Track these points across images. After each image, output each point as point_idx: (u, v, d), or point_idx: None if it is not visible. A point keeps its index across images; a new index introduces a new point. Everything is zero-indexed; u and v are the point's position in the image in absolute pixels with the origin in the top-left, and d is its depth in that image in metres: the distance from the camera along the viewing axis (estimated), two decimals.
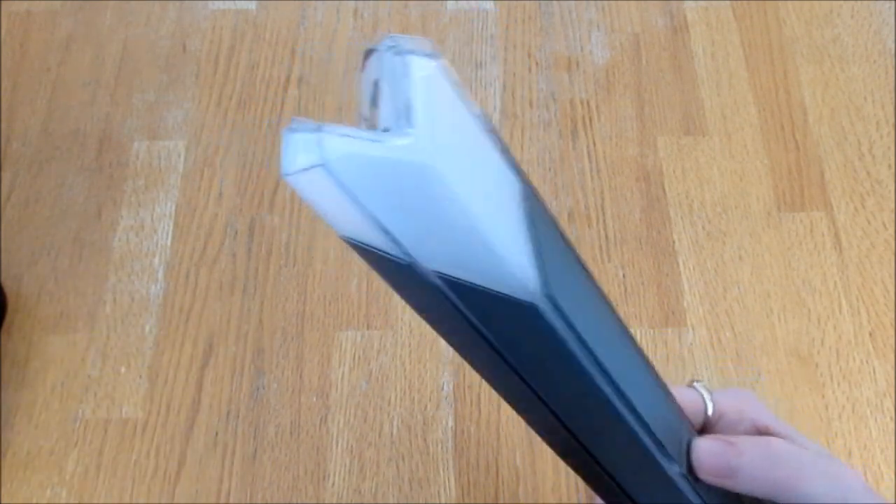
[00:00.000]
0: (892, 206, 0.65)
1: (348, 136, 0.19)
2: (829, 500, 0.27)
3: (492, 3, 0.76)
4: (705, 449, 0.29)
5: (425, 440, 0.57)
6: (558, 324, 0.22)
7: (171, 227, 0.65)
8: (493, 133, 0.22)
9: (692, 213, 0.65)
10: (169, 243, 0.64)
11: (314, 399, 0.58)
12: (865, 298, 0.62)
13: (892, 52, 0.73)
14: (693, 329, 0.61)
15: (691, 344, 0.60)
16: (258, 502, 0.55)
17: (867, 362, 0.59)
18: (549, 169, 0.67)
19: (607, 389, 0.24)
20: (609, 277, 0.63)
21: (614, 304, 0.61)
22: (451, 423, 0.57)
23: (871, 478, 0.55)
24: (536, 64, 0.73)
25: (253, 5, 0.75)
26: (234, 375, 0.59)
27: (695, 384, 0.33)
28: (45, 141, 0.69)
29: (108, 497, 0.55)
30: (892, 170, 0.67)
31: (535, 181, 0.67)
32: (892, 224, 0.65)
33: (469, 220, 0.20)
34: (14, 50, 0.73)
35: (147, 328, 0.61)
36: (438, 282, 0.21)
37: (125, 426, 0.57)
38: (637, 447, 0.27)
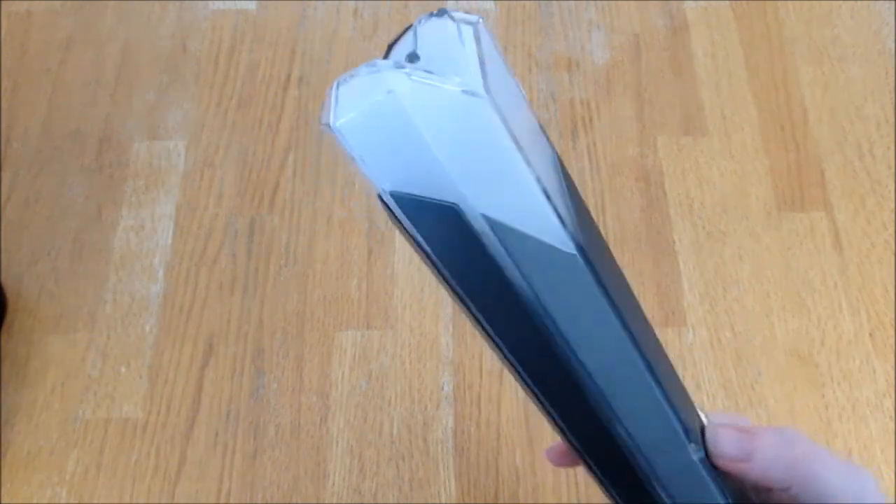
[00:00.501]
0: (892, 206, 0.65)
1: (414, 75, 0.19)
2: (846, 494, 0.26)
3: (492, 3, 0.76)
4: (723, 432, 0.29)
5: (425, 440, 0.57)
6: (594, 278, 0.23)
7: (172, 227, 0.65)
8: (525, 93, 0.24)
9: (692, 213, 0.65)
10: (169, 243, 0.64)
11: (314, 399, 0.58)
12: (865, 298, 0.62)
13: (892, 52, 0.73)
14: (693, 329, 0.61)
15: (691, 344, 0.60)
16: (258, 502, 0.55)
17: (867, 362, 0.59)
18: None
19: (635, 353, 0.25)
20: None
21: None
22: (451, 423, 0.57)
23: None
24: (536, 64, 0.73)
25: (253, 5, 0.75)
26: (234, 375, 0.59)
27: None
28: (45, 141, 0.69)
29: (108, 497, 0.55)
30: (892, 170, 0.67)
31: None
32: (892, 224, 0.65)
33: (523, 171, 0.21)
34: (14, 50, 0.73)
35: (147, 328, 0.61)
36: (485, 226, 0.21)
37: (125, 426, 0.57)
38: (663, 420, 0.27)
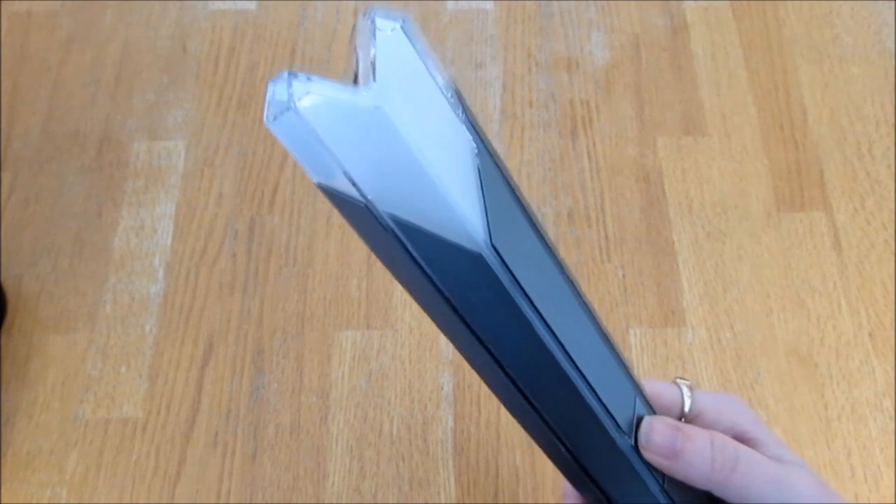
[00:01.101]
0: (892, 206, 0.65)
1: (316, 84, 0.21)
2: (764, 500, 0.27)
3: (492, 3, 0.76)
4: (655, 427, 0.29)
5: (425, 440, 0.57)
6: (503, 275, 0.23)
7: (171, 227, 0.65)
8: (455, 93, 0.24)
9: (692, 213, 0.65)
10: (169, 243, 0.64)
11: (314, 399, 0.58)
12: (865, 298, 0.62)
13: (892, 52, 0.73)
14: (693, 329, 0.61)
15: (691, 344, 0.60)
16: (258, 502, 0.55)
17: (867, 362, 0.59)
18: (549, 169, 0.67)
19: (550, 343, 0.25)
20: (609, 277, 0.63)
21: (615, 303, 0.61)
22: (451, 423, 0.57)
23: (871, 478, 0.55)
24: (536, 64, 0.73)
25: (253, 5, 0.75)
26: (234, 375, 0.59)
27: (677, 380, 0.33)
28: (45, 141, 0.69)
29: (108, 497, 0.55)
30: (892, 170, 0.67)
31: (535, 181, 0.67)
32: (892, 224, 0.65)
33: (421, 167, 0.21)
34: (14, 50, 0.73)
35: (147, 328, 0.61)
36: (392, 224, 0.22)
37: (125, 426, 0.57)
38: (582, 407, 0.27)
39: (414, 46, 0.23)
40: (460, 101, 0.24)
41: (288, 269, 0.63)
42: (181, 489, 0.55)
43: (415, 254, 0.23)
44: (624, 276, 0.63)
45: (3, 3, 0.75)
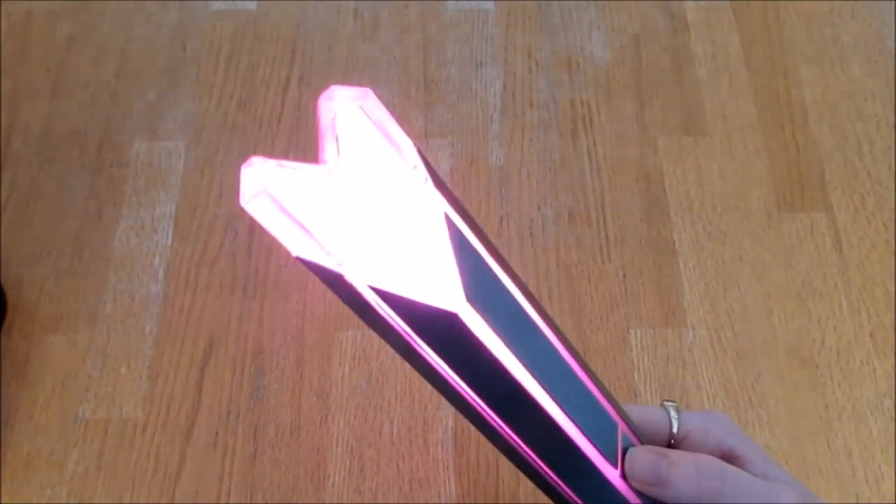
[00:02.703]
0: (893, 206, 0.65)
1: (286, 167, 0.23)
2: None
3: (492, 3, 0.76)
4: (639, 457, 0.30)
5: (425, 440, 0.57)
6: (480, 329, 0.24)
7: (172, 228, 0.65)
8: (419, 159, 0.25)
9: (692, 213, 0.65)
10: (169, 243, 0.64)
11: (314, 399, 0.58)
12: (865, 298, 0.62)
13: (893, 51, 0.73)
14: (693, 329, 0.61)
15: (691, 344, 0.60)
16: (258, 502, 0.55)
17: (867, 362, 0.59)
18: (549, 169, 0.67)
19: (532, 389, 0.26)
20: (609, 277, 0.63)
21: (615, 303, 0.61)
22: (450, 423, 0.57)
23: (872, 478, 0.55)
24: (536, 64, 0.73)
25: (253, 5, 0.75)
26: (234, 375, 0.59)
27: (665, 403, 0.33)
28: (45, 141, 0.69)
29: (108, 497, 0.55)
30: (892, 170, 0.67)
31: (536, 181, 0.67)
32: (893, 224, 0.65)
33: (392, 237, 0.23)
34: (14, 50, 0.73)
35: (147, 328, 0.61)
36: (369, 291, 0.23)
37: (125, 426, 0.57)
38: (568, 445, 0.28)
39: (374, 122, 0.24)
40: (427, 167, 0.25)
41: (288, 269, 0.63)
42: (181, 489, 0.55)
43: (393, 315, 0.24)
44: (624, 276, 0.63)
45: (3, 3, 0.75)
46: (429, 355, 0.25)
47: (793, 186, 0.67)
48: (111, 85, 0.71)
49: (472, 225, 0.26)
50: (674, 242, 0.64)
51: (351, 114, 0.24)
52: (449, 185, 0.27)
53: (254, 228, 0.65)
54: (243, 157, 0.68)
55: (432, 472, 0.56)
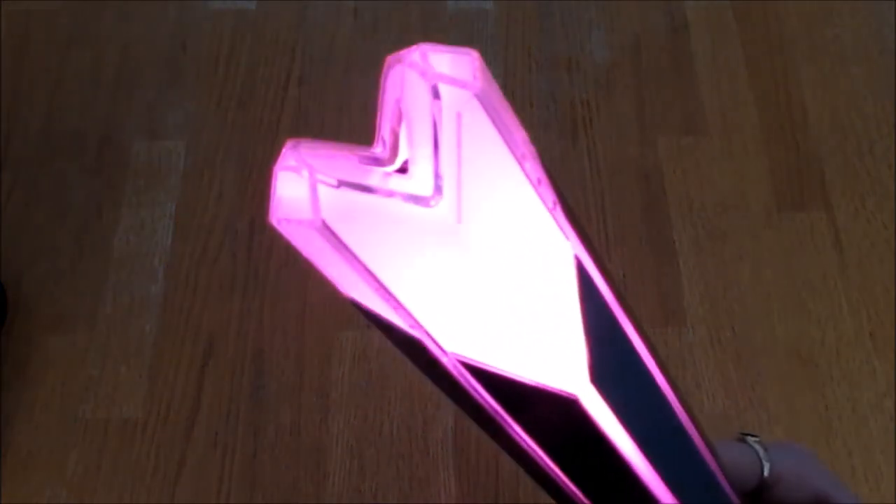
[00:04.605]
0: (892, 206, 0.65)
1: (350, 183, 0.15)
2: None
3: (492, 3, 0.76)
4: None
5: (425, 440, 0.57)
6: (601, 416, 0.19)
7: (171, 227, 0.65)
8: (543, 176, 0.18)
9: (692, 213, 0.65)
10: (169, 243, 0.64)
11: (314, 399, 0.58)
12: (866, 298, 0.62)
13: (893, 51, 0.73)
14: (693, 329, 0.61)
15: (691, 344, 0.60)
16: (258, 502, 0.55)
17: (867, 362, 0.59)
18: (550, 169, 0.67)
19: (650, 482, 0.21)
20: None
21: None
22: (450, 423, 0.57)
23: (872, 477, 0.55)
24: (536, 64, 0.73)
25: (253, 5, 0.75)
26: (234, 375, 0.59)
27: (748, 439, 0.30)
28: (45, 141, 0.69)
29: (108, 497, 0.55)
30: (892, 170, 0.67)
31: None
32: (893, 224, 0.65)
33: (504, 303, 0.16)
34: (14, 50, 0.73)
35: (147, 328, 0.61)
36: (459, 367, 0.18)
37: (125, 426, 0.57)
38: None
39: (486, 116, 0.16)
40: (551, 184, 0.18)
41: (288, 269, 0.63)
42: (181, 489, 0.55)
43: (487, 398, 0.18)
44: (624, 275, 0.63)
45: (3, 3, 0.75)
46: (523, 439, 0.20)
47: (793, 186, 0.67)
48: (111, 85, 0.71)
49: (602, 268, 0.19)
50: (674, 242, 0.64)
51: (461, 112, 0.16)
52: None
53: (254, 228, 0.65)
54: (243, 156, 0.68)
55: (432, 472, 0.56)
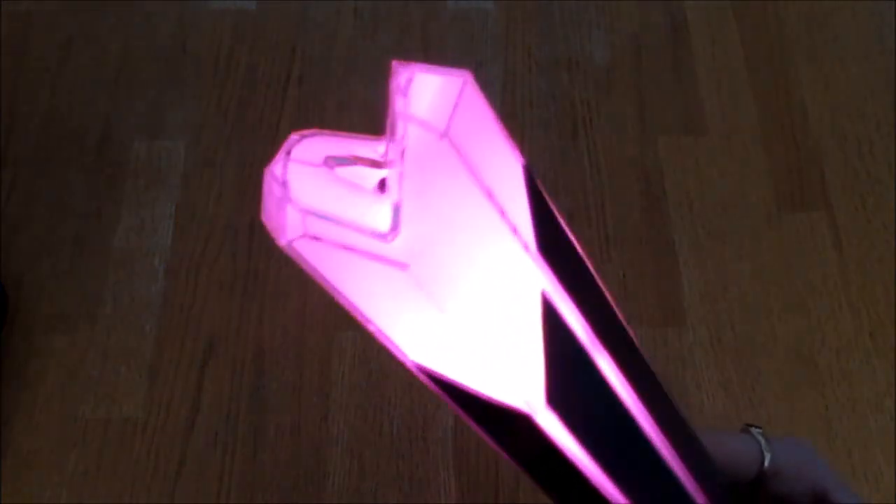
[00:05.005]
0: (893, 205, 0.65)
1: (315, 213, 0.17)
2: None
3: (492, 3, 0.76)
4: None
5: (425, 440, 0.57)
6: (557, 434, 0.21)
7: (172, 227, 0.65)
8: (528, 216, 0.19)
9: (692, 213, 0.65)
10: (169, 243, 0.64)
11: (314, 399, 0.58)
12: (866, 298, 0.62)
13: (893, 51, 0.73)
14: (693, 329, 0.61)
15: (691, 343, 0.60)
16: (258, 502, 0.55)
17: (867, 362, 0.59)
18: (549, 169, 0.67)
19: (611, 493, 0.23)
20: (609, 277, 0.63)
21: (615, 303, 0.60)
22: (450, 423, 0.57)
23: (872, 477, 0.55)
24: (536, 64, 0.73)
25: (253, 5, 0.75)
26: (234, 375, 0.59)
27: (752, 430, 0.30)
28: (45, 141, 0.69)
29: (108, 497, 0.55)
30: (892, 170, 0.67)
31: None
32: (893, 224, 0.65)
33: (461, 329, 0.18)
34: (14, 50, 0.73)
35: (147, 328, 0.61)
36: (422, 375, 0.20)
37: (125, 426, 0.57)
38: None
39: (463, 162, 0.17)
40: (536, 226, 0.19)
41: (288, 269, 0.63)
42: (181, 489, 0.55)
43: (460, 408, 0.20)
44: (624, 275, 0.63)
45: (3, 3, 0.75)
46: (495, 445, 0.22)
47: (792, 186, 0.67)
48: (111, 85, 0.71)
49: (577, 296, 0.20)
50: (674, 242, 0.64)
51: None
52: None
53: (254, 228, 0.65)
54: (243, 156, 0.68)
55: (432, 472, 0.56)
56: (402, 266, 0.16)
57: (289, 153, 0.19)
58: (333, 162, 0.18)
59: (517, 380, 0.19)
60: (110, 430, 0.57)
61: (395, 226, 0.16)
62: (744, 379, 0.59)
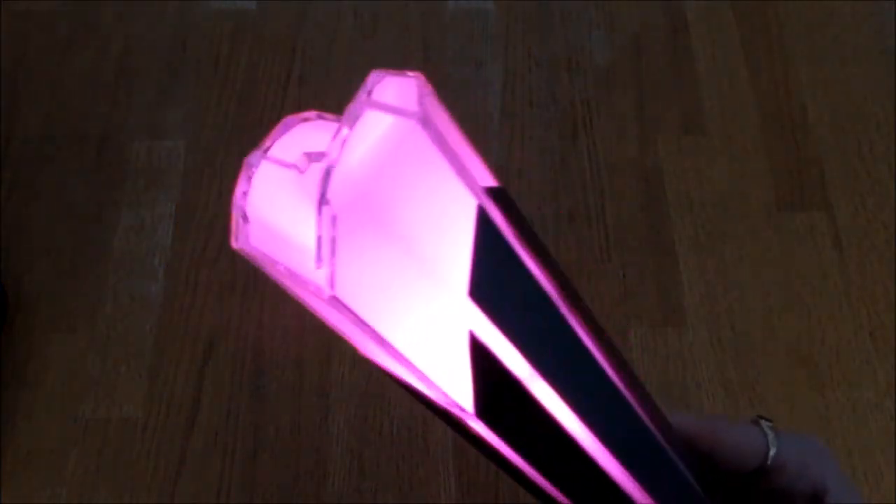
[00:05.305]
0: (893, 205, 0.65)
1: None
2: None
3: (492, 2, 0.76)
4: None
5: (425, 440, 0.57)
6: (493, 440, 0.22)
7: (172, 227, 0.65)
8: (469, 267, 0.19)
9: (692, 213, 0.65)
10: (169, 243, 0.64)
11: (314, 399, 0.58)
12: (866, 298, 0.62)
13: (893, 51, 0.73)
14: (693, 329, 0.61)
15: (691, 343, 0.60)
16: (258, 502, 0.55)
17: (867, 362, 0.59)
18: (549, 169, 0.67)
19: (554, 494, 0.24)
20: (609, 277, 0.63)
21: (615, 303, 0.59)
22: None
23: (872, 478, 0.55)
24: (536, 64, 0.73)
25: (253, 5, 0.75)
26: (234, 375, 0.59)
27: (761, 422, 0.30)
28: (45, 141, 0.69)
29: (108, 497, 0.55)
30: (892, 169, 0.67)
31: (535, 181, 0.67)
32: (893, 224, 0.65)
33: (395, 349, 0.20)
34: (14, 50, 0.73)
35: (147, 328, 0.61)
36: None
37: (125, 426, 0.57)
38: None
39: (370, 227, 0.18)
40: (474, 271, 0.19)
41: None
42: (181, 489, 0.55)
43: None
44: (624, 275, 0.63)
45: (3, 3, 0.75)
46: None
47: (792, 186, 0.67)
48: (111, 85, 0.71)
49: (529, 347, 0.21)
50: (674, 242, 0.64)
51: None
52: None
53: None
54: (243, 156, 0.68)
55: (432, 472, 0.56)
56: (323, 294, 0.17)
57: (266, 150, 0.19)
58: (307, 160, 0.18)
59: (452, 396, 0.20)
60: (110, 430, 0.57)
61: (319, 259, 0.17)
62: (744, 379, 0.59)
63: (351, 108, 0.17)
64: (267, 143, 0.20)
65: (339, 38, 0.74)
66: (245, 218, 0.19)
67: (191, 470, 0.56)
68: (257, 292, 0.62)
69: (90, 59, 0.73)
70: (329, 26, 0.75)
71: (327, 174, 0.17)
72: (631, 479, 0.24)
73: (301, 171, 0.18)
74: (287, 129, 0.20)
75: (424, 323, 0.20)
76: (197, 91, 0.71)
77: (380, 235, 0.17)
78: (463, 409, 0.21)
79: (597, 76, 0.72)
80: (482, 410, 0.21)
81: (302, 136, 0.19)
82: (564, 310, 0.22)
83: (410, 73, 0.18)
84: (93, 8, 0.75)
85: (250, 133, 0.69)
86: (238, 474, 0.56)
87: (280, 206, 0.19)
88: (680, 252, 0.64)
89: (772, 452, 0.28)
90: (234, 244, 0.19)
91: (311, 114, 0.19)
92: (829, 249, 0.64)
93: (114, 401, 0.58)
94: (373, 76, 0.18)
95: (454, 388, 0.21)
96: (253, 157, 0.19)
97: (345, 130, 0.17)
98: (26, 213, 0.65)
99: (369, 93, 0.18)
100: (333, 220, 0.16)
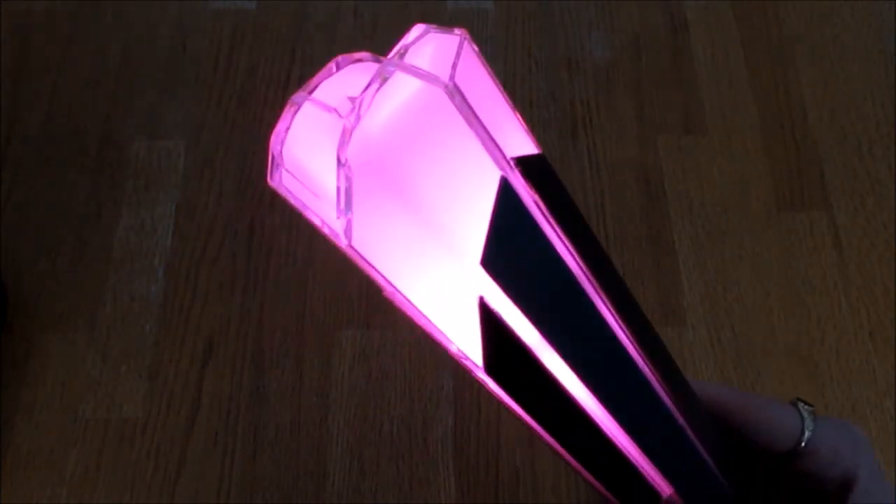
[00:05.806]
0: (893, 205, 0.65)
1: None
2: None
3: (492, 2, 0.76)
4: None
5: (425, 440, 0.57)
6: (500, 394, 0.23)
7: (172, 227, 0.65)
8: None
9: (692, 213, 0.65)
10: (169, 243, 0.64)
11: (314, 399, 0.58)
12: (865, 298, 0.62)
13: (893, 51, 0.73)
14: (693, 328, 0.61)
15: (691, 343, 0.60)
16: (258, 502, 0.55)
17: (867, 362, 0.59)
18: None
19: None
20: None
21: None
22: (451, 423, 0.57)
23: None
24: (536, 64, 0.73)
25: (253, 5, 0.75)
26: (234, 375, 0.59)
27: (799, 405, 0.29)
28: (45, 141, 0.69)
29: (108, 497, 0.55)
30: (892, 169, 0.67)
31: None
32: (892, 224, 0.65)
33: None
34: (14, 50, 0.73)
35: (147, 328, 0.61)
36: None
37: (125, 426, 0.57)
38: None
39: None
40: (488, 243, 0.19)
41: (288, 269, 0.63)
42: (181, 489, 0.55)
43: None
44: (624, 275, 0.63)
45: (3, 3, 0.75)
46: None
47: (792, 186, 0.67)
48: (111, 85, 0.71)
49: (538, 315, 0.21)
50: (673, 242, 0.64)
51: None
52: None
53: (254, 228, 0.65)
54: (243, 156, 0.68)
55: (432, 472, 0.56)
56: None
57: (311, 91, 0.19)
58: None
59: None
60: (110, 430, 0.57)
61: (340, 210, 0.17)
62: (744, 379, 0.59)
63: (382, 65, 0.18)
64: (314, 81, 0.20)
65: (339, 38, 0.74)
66: (281, 157, 0.19)
67: (191, 470, 0.56)
68: (257, 292, 0.62)
69: (90, 59, 0.73)
70: (329, 26, 0.75)
71: (346, 134, 0.17)
72: (637, 448, 0.25)
73: (341, 116, 0.18)
74: (338, 68, 0.20)
75: (437, 284, 0.20)
76: (197, 91, 0.71)
77: (395, 199, 0.17)
78: (473, 362, 0.22)
79: (597, 76, 0.72)
80: (491, 367, 0.21)
81: (351, 77, 0.19)
82: (586, 283, 0.22)
83: (456, 31, 0.19)
84: (93, 8, 0.75)
85: (250, 133, 0.69)
86: (238, 474, 0.56)
87: (316, 148, 0.18)
88: (680, 252, 0.64)
89: (806, 435, 0.28)
90: (270, 182, 0.19)
91: (365, 54, 0.19)
92: (829, 249, 0.64)
93: (114, 401, 0.58)
94: (415, 30, 0.19)
95: (465, 342, 0.22)
96: (297, 97, 0.19)
97: (374, 87, 0.17)
98: (26, 213, 0.65)
99: (405, 50, 0.18)
100: (349, 179, 0.17)
